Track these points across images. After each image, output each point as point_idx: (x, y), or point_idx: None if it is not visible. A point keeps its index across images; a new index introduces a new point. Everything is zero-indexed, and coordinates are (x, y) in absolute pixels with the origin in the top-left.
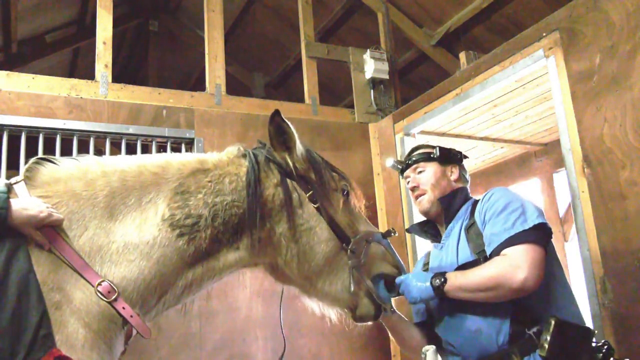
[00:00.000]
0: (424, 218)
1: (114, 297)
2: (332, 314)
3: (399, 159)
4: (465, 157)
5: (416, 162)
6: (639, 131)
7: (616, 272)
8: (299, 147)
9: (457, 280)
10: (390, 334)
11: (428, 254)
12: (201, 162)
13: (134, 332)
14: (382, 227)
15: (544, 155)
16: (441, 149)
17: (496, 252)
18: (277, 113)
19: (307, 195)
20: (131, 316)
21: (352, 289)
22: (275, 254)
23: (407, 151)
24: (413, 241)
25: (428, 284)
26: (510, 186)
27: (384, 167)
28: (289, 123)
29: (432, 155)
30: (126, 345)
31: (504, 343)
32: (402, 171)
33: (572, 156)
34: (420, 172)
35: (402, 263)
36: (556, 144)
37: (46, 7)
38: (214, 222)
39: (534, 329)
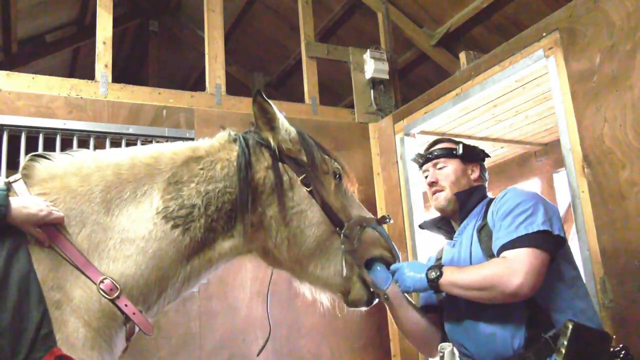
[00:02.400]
0: (424, 218)
1: (116, 294)
2: (325, 298)
3: (418, 152)
4: (487, 155)
5: (437, 157)
6: (639, 131)
7: (616, 272)
8: (285, 127)
9: (452, 276)
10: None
11: (441, 251)
12: (193, 150)
13: (136, 329)
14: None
15: (544, 155)
16: (464, 146)
17: (497, 254)
18: (258, 93)
19: (299, 178)
20: (134, 313)
21: (345, 273)
22: (266, 238)
23: (407, 151)
24: (413, 241)
25: (423, 275)
26: (510, 186)
27: (384, 166)
28: (270, 103)
29: (454, 152)
30: (128, 342)
31: (520, 347)
32: (421, 164)
33: (572, 156)
34: (440, 168)
35: (397, 250)
36: (556, 144)
37: (46, 7)
38: (207, 210)
39: (550, 333)
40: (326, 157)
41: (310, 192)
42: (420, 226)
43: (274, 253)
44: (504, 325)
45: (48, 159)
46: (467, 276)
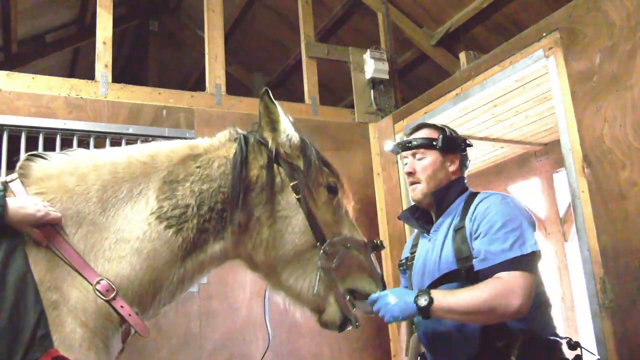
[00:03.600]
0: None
1: (112, 295)
2: (297, 311)
3: (398, 141)
4: (469, 145)
5: (417, 147)
6: (639, 131)
7: (616, 272)
8: (287, 131)
9: (446, 302)
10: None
11: (417, 236)
12: (192, 148)
13: (132, 331)
14: (382, 226)
15: (544, 155)
16: (444, 138)
17: (491, 271)
18: (266, 92)
19: (291, 183)
20: (129, 315)
21: (315, 290)
22: (248, 239)
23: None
24: None
25: (411, 301)
26: (510, 186)
27: (384, 167)
28: (276, 103)
29: (434, 143)
30: (124, 344)
31: (472, 353)
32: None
33: (572, 156)
34: (419, 158)
35: (382, 278)
36: (556, 144)
37: (46, 7)
38: (200, 210)
39: (504, 342)
40: (325, 169)
41: (299, 199)
42: (399, 218)
43: (251, 255)
44: (459, 330)
45: (44, 158)
46: (463, 301)
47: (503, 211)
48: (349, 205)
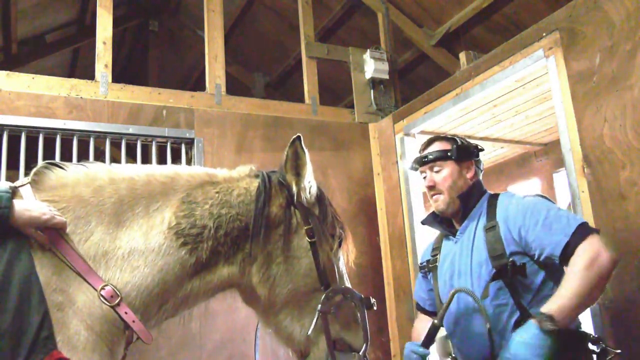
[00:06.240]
0: (423, 216)
1: (116, 301)
2: (283, 350)
3: (415, 157)
4: (481, 149)
5: (433, 160)
6: (639, 131)
7: (616, 272)
8: (309, 179)
9: (565, 307)
10: None
11: (439, 239)
12: (210, 176)
13: (134, 337)
14: (382, 226)
15: (544, 155)
16: (457, 148)
17: (569, 248)
18: (298, 139)
19: (305, 227)
20: (133, 321)
21: (310, 332)
22: (254, 273)
23: (407, 151)
24: (413, 241)
25: (538, 331)
26: (510, 186)
27: (384, 166)
28: (306, 151)
29: (449, 154)
30: (126, 351)
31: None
32: (417, 168)
33: (572, 156)
34: (437, 171)
35: (369, 335)
36: (556, 144)
37: (46, 7)
38: (216, 233)
39: None
40: (336, 220)
41: (311, 243)
42: (422, 222)
43: (255, 289)
44: (494, 328)
45: (63, 168)
46: (574, 291)
47: (537, 204)
48: (346, 257)
